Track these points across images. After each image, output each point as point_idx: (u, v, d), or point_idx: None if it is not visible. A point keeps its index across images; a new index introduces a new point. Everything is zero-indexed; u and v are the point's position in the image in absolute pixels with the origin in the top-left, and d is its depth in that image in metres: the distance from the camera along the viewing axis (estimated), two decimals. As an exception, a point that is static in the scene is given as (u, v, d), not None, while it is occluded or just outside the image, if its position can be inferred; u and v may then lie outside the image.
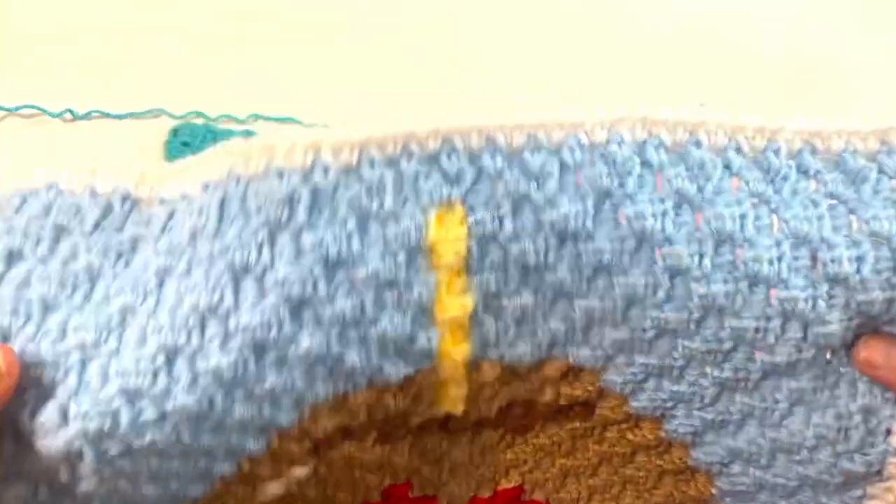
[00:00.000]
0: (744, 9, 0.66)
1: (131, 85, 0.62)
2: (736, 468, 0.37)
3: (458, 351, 0.33)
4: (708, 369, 0.33)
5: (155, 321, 0.29)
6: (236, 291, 0.29)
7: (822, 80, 0.63)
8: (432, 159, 0.29)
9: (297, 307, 0.29)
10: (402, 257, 0.29)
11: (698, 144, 0.30)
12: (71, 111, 0.61)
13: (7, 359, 0.29)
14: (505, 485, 0.42)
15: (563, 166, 0.30)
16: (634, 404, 0.36)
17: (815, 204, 0.30)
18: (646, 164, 0.30)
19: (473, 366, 0.34)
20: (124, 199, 0.31)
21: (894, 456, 0.32)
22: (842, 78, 0.63)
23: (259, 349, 0.29)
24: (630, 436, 0.38)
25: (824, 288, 0.30)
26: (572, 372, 0.35)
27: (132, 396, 0.29)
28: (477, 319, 0.32)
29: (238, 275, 0.29)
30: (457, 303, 0.31)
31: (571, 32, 0.65)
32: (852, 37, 0.64)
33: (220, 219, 0.28)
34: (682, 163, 0.30)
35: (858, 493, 0.33)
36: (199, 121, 0.61)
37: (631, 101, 0.66)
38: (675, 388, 0.34)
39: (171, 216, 0.30)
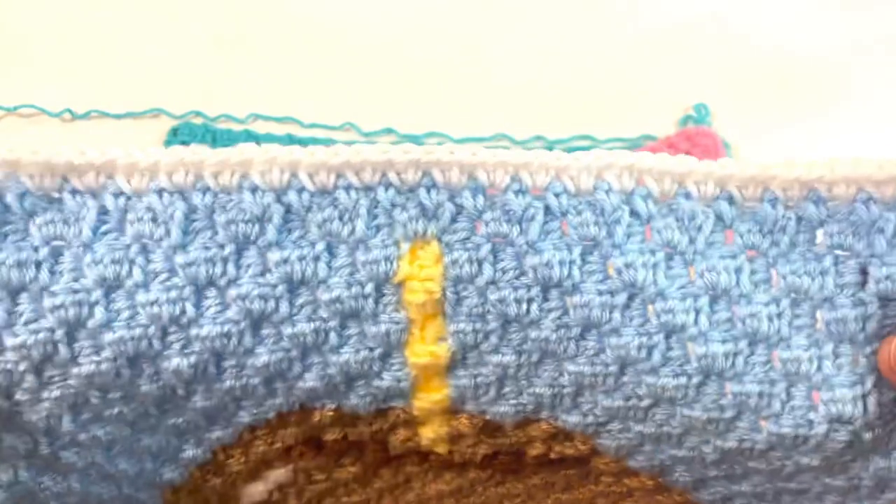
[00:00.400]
0: (743, 8, 0.66)
1: (130, 85, 0.62)
2: (739, 502, 0.36)
3: (433, 399, 0.32)
4: (710, 438, 0.32)
5: (111, 334, 0.28)
6: (198, 304, 0.29)
7: (822, 79, 0.63)
8: (410, 191, 0.28)
9: (257, 323, 0.29)
10: (369, 288, 0.29)
11: (688, 196, 0.28)
12: (70, 111, 0.61)
13: None
14: None
15: (547, 211, 0.28)
16: (632, 463, 0.35)
17: (818, 258, 0.28)
18: (634, 213, 0.28)
19: (452, 415, 0.33)
20: (21, 195, 0.28)
21: None
22: (842, 77, 0.63)
23: (218, 357, 0.30)
24: (627, 481, 0.37)
25: (829, 347, 0.28)
26: (562, 433, 0.33)
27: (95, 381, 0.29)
28: (454, 373, 0.31)
29: (201, 287, 0.28)
30: (428, 350, 0.30)
31: (571, 32, 0.65)
32: (852, 36, 0.64)
33: (185, 231, 0.28)
34: (672, 214, 0.28)
35: None
36: (199, 120, 0.61)
37: (630, 101, 0.66)
38: (676, 452, 0.33)
39: (100, 216, 0.28)
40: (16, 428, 0.30)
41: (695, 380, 0.29)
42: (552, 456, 0.35)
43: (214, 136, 0.60)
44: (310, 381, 0.31)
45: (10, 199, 0.28)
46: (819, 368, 0.28)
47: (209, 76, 0.63)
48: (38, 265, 0.28)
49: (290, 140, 0.59)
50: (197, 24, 0.65)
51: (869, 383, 0.28)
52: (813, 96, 0.62)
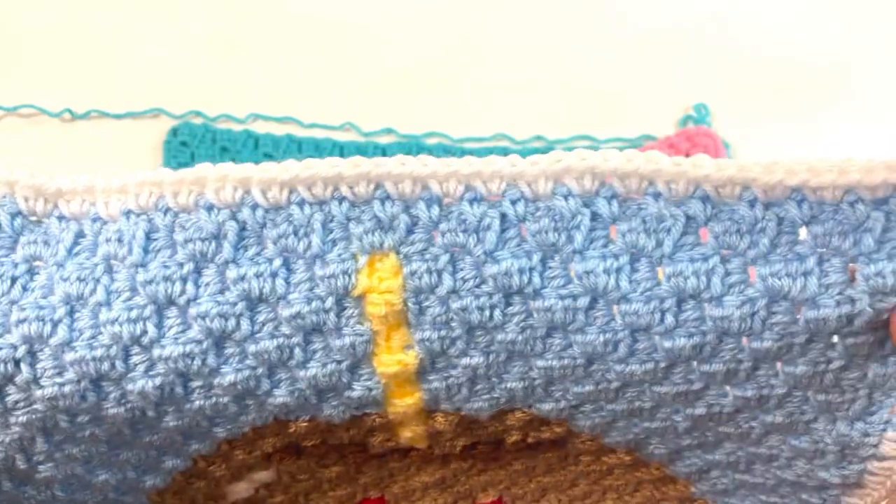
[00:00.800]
0: (743, 8, 0.66)
1: (130, 85, 0.62)
2: (715, 473, 0.36)
3: (406, 403, 0.32)
4: (680, 408, 0.32)
5: (72, 353, 0.28)
6: (159, 324, 0.29)
7: (821, 80, 0.63)
8: (365, 204, 0.27)
9: (220, 341, 0.29)
10: (329, 302, 0.28)
11: (657, 196, 0.27)
12: (70, 111, 0.61)
13: None
14: (483, 499, 0.41)
15: (504, 219, 0.28)
16: (608, 440, 0.35)
17: (800, 257, 0.27)
18: (596, 217, 0.28)
19: (428, 415, 0.33)
20: (13, 216, 0.29)
21: (871, 475, 0.31)
22: (841, 78, 0.63)
23: (184, 377, 0.30)
24: (606, 459, 0.37)
25: (802, 338, 0.28)
26: (537, 420, 0.34)
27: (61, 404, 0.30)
28: (424, 378, 0.31)
29: (162, 306, 0.28)
30: (395, 359, 0.30)
31: (572, 32, 0.65)
32: (851, 37, 0.64)
33: (146, 249, 0.28)
34: (638, 215, 0.27)
35: (836, 492, 0.33)
36: (199, 121, 0.61)
37: (631, 101, 0.66)
38: (648, 425, 0.33)
39: (77, 238, 0.29)
40: None
41: (662, 365, 0.30)
42: (530, 441, 0.35)
43: (214, 136, 0.60)
44: (280, 397, 0.31)
45: (2, 217, 0.29)
46: (790, 354, 0.29)
47: (209, 76, 0.63)
48: (14, 280, 0.28)
49: (290, 140, 0.60)
50: (197, 25, 0.65)
51: (838, 359, 0.29)
52: (812, 96, 0.62)
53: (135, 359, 0.29)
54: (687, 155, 0.59)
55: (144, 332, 0.28)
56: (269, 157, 0.59)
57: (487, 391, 0.32)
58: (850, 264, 0.27)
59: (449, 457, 0.38)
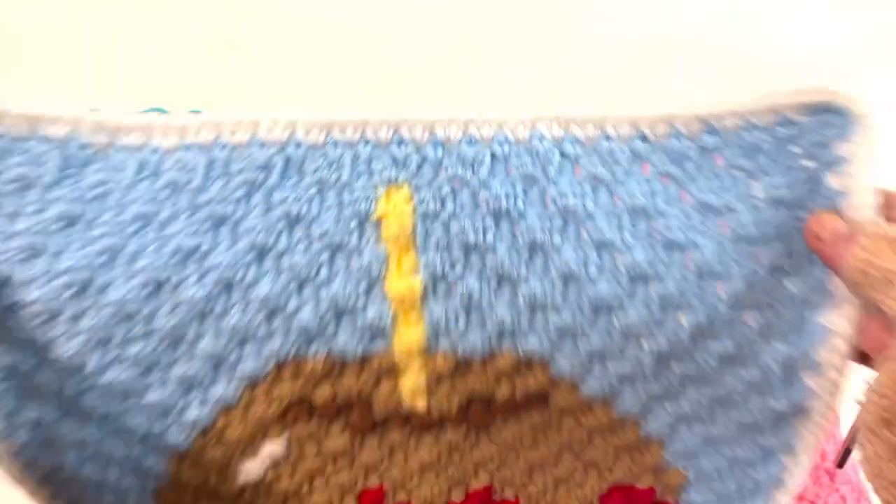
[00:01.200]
0: (740, 12, 0.67)
1: (130, 84, 0.62)
2: (683, 428, 0.41)
3: (411, 333, 0.38)
4: (644, 343, 0.38)
5: (141, 261, 0.35)
6: (213, 239, 0.35)
7: (819, 81, 0.63)
8: (384, 146, 0.35)
9: (261, 254, 0.36)
10: (353, 224, 0.36)
11: (608, 138, 0.36)
12: (70, 111, 0.61)
13: None
14: (476, 486, 0.44)
15: (493, 157, 0.36)
16: (585, 390, 0.40)
17: (718, 176, 0.35)
18: (564, 154, 0.36)
19: (428, 355, 0.38)
20: (82, 147, 0.34)
21: (814, 398, 0.35)
22: (839, 80, 0.63)
23: (227, 287, 0.36)
24: (585, 420, 0.42)
25: (731, 249, 0.35)
26: (523, 364, 0.39)
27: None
28: (427, 304, 0.37)
29: (216, 223, 0.35)
30: (406, 281, 0.36)
31: (570, 37, 0.65)
32: (849, 39, 0.65)
33: (206, 176, 0.34)
34: (595, 153, 0.36)
35: (790, 429, 0.36)
36: (199, 120, 0.61)
37: (629, 104, 0.67)
38: (619, 369, 0.39)
39: (140, 166, 0.34)
40: (47, 366, 0.35)
41: (625, 285, 0.36)
42: (517, 396, 0.40)
43: (215, 136, 0.60)
44: (305, 315, 0.37)
45: (71, 149, 0.34)
46: (723, 265, 0.35)
47: (209, 76, 0.63)
48: (88, 202, 0.34)
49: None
50: (197, 25, 0.65)
51: (762, 272, 0.35)
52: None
53: (190, 268, 0.35)
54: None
55: (200, 245, 0.35)
56: (269, 156, 0.59)
57: (480, 325, 0.38)
58: (754, 181, 0.34)
59: (445, 424, 0.42)
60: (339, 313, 0.37)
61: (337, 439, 0.42)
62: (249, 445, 0.41)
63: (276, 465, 0.42)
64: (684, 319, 0.37)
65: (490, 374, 0.40)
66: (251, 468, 0.41)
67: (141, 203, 0.35)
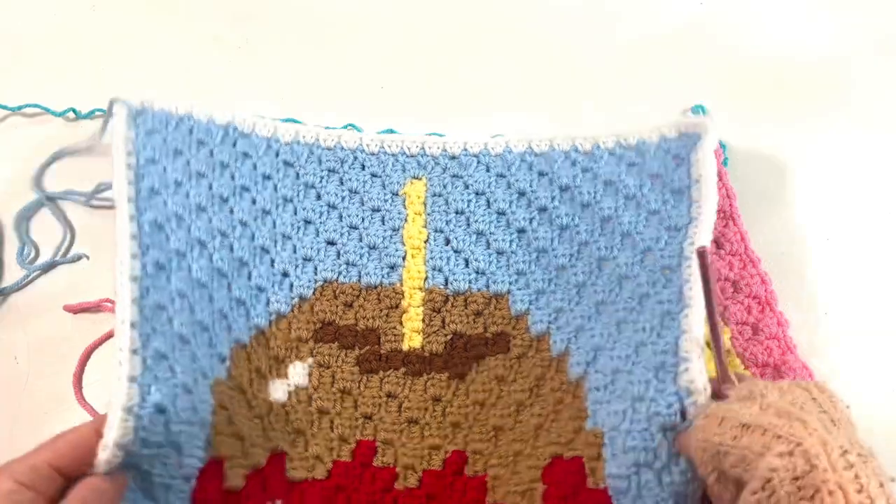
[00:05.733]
0: (741, 9, 0.67)
1: (133, 85, 0.63)
2: (600, 360, 0.48)
3: (416, 267, 0.54)
4: (570, 276, 0.53)
5: (258, 199, 0.55)
6: (305, 194, 0.56)
7: (818, 80, 0.64)
8: (414, 156, 0.57)
9: (331, 208, 0.56)
10: (389, 196, 0.56)
11: (553, 150, 0.56)
12: (74, 110, 0.62)
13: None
14: (451, 449, 0.50)
15: (478, 162, 0.57)
16: (532, 328, 0.53)
17: (623, 173, 0.54)
18: (524, 160, 0.56)
19: (425, 289, 0.54)
20: (236, 130, 0.56)
21: (685, 340, 0.42)
22: (838, 78, 0.64)
23: (306, 223, 0.55)
24: (533, 363, 0.51)
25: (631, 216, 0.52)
26: (493, 301, 0.54)
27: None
28: (429, 247, 0.55)
29: (307, 187, 0.56)
30: (417, 230, 0.55)
31: (570, 34, 0.66)
32: (848, 38, 0.65)
33: (306, 160, 0.57)
34: (544, 159, 0.56)
35: (679, 367, 0.42)
36: (201, 120, 0.61)
37: (629, 102, 0.67)
38: (554, 302, 0.53)
39: (268, 147, 0.56)
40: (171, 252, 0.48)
41: (556, 234, 0.55)
42: (487, 335, 0.53)
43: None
44: (350, 247, 0.54)
45: (234, 131, 0.56)
46: (631, 224, 0.52)
47: (211, 77, 0.63)
48: (232, 165, 0.55)
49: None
50: (200, 26, 0.65)
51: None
52: (809, 96, 0.63)
53: (287, 209, 0.55)
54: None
55: (293, 196, 0.56)
56: (271, 157, 0.61)
57: (464, 265, 0.54)
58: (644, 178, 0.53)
59: (432, 373, 0.52)
60: (371, 249, 0.55)
61: (348, 373, 0.52)
62: (283, 362, 0.51)
63: (297, 391, 0.51)
64: (601, 242, 0.53)
65: (469, 310, 0.54)
66: (279, 388, 0.50)
67: (265, 167, 0.55)
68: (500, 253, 0.54)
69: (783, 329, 0.54)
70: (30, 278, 0.55)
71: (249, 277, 0.52)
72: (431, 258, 0.54)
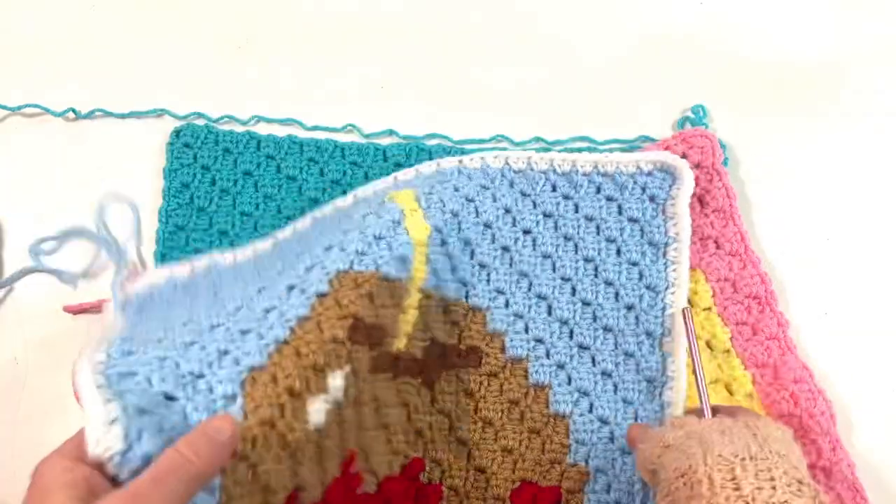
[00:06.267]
0: (740, 10, 0.67)
1: (134, 85, 0.63)
2: (584, 403, 0.52)
3: (420, 268, 0.51)
4: (553, 307, 0.54)
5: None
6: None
7: (817, 81, 0.64)
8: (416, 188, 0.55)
9: (356, 203, 0.56)
10: (398, 212, 0.51)
11: (532, 168, 0.57)
12: (74, 110, 0.62)
13: (231, 428, 0.36)
14: (412, 455, 0.50)
15: (460, 172, 0.56)
16: (509, 349, 0.53)
17: (598, 200, 0.56)
18: (503, 176, 0.56)
19: (425, 295, 0.51)
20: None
21: (669, 414, 0.51)
22: (837, 79, 0.64)
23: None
24: (506, 386, 0.52)
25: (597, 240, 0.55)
26: (470, 313, 0.53)
27: None
28: (430, 251, 0.51)
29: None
30: (420, 225, 0.51)
31: (570, 34, 0.65)
32: (847, 39, 0.65)
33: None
34: (524, 176, 0.57)
35: (659, 399, 0.52)
36: (201, 122, 0.61)
37: (629, 103, 0.67)
38: (535, 330, 0.53)
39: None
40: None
41: (539, 261, 0.55)
42: (461, 346, 0.53)
43: (217, 138, 0.60)
44: (353, 237, 0.49)
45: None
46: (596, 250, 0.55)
47: (212, 78, 0.63)
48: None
49: (292, 141, 0.60)
50: (201, 26, 0.65)
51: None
52: (809, 96, 0.63)
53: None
54: (683, 156, 0.60)
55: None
56: (270, 158, 0.60)
57: (454, 272, 0.53)
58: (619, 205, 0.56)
59: (408, 378, 0.50)
60: (378, 239, 0.49)
61: (363, 357, 0.47)
62: (319, 383, 0.44)
63: (335, 409, 0.45)
64: (579, 296, 0.54)
65: (449, 318, 0.53)
66: (318, 409, 0.43)
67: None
68: (482, 266, 0.54)
69: (783, 329, 0.54)
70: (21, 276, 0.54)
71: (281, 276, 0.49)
72: (433, 261, 0.52)
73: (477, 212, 0.54)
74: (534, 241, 0.55)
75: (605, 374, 0.53)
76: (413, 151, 0.60)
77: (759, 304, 0.55)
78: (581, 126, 0.61)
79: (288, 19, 0.65)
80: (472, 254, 0.54)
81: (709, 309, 0.55)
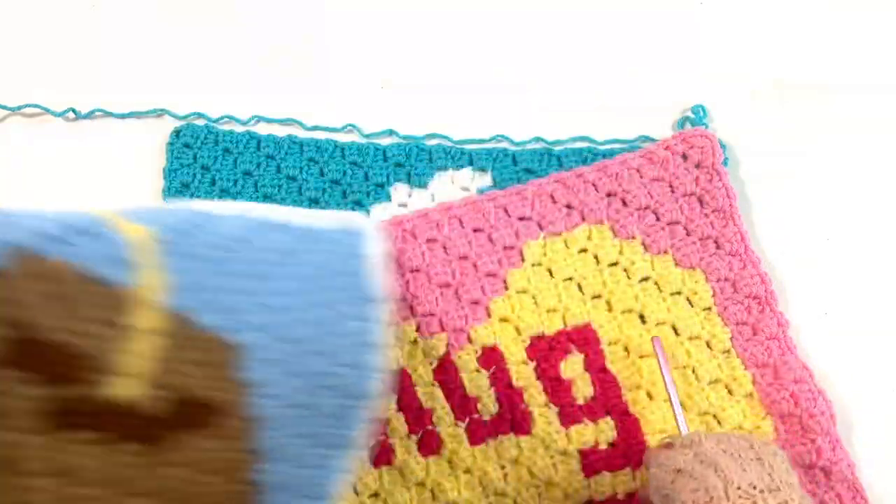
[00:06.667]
0: (741, 11, 0.67)
1: (134, 85, 0.63)
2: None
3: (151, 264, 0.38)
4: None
5: None
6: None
7: (818, 81, 0.64)
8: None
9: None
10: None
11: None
12: (74, 110, 0.61)
13: None
14: None
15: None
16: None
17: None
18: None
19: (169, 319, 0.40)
20: None
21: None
22: (838, 79, 0.64)
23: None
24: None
25: None
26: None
27: None
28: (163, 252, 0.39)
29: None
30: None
31: (570, 34, 0.65)
32: (848, 39, 0.65)
33: None
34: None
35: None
36: (201, 122, 0.61)
37: (629, 103, 0.66)
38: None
39: None
40: None
41: None
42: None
43: (217, 138, 0.60)
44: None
45: None
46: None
47: (212, 77, 0.63)
48: None
49: (292, 141, 0.60)
50: (200, 26, 0.65)
51: None
52: (809, 96, 0.63)
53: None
54: (684, 156, 0.60)
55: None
56: (270, 158, 0.60)
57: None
58: None
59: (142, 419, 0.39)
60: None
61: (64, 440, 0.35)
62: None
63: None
64: None
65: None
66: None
67: None
68: None
69: (783, 329, 0.54)
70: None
71: None
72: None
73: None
74: None
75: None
76: (413, 151, 0.60)
77: (759, 304, 0.55)
78: (581, 125, 0.61)
79: (287, 19, 0.65)
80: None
81: (709, 309, 0.55)
